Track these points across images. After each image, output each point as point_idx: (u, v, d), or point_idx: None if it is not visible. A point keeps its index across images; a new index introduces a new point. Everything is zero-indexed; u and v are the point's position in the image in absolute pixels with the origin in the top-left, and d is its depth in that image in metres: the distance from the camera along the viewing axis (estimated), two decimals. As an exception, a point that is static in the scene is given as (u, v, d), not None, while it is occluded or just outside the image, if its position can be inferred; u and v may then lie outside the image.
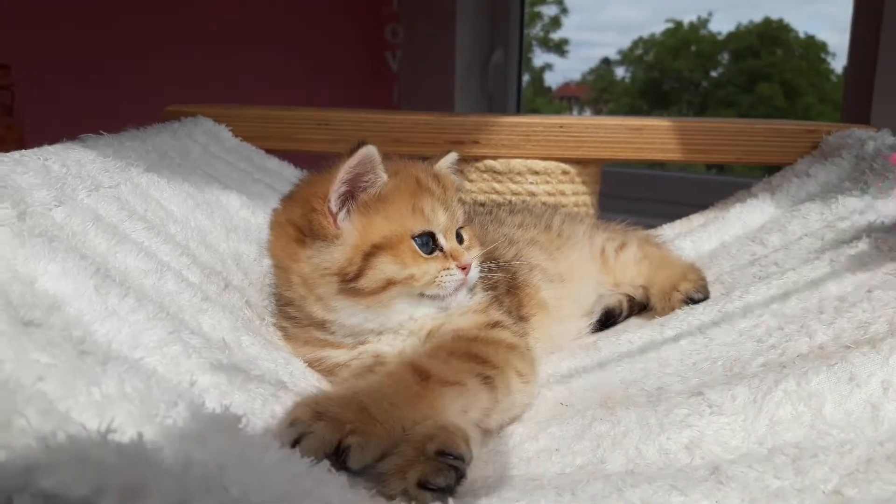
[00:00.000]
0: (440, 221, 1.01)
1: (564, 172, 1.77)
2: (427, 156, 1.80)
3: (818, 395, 0.78)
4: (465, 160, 1.78)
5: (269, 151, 1.78)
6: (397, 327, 1.00)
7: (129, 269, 0.89)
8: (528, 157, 1.76)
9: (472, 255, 1.03)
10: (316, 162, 1.53)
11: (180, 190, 1.21)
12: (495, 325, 1.00)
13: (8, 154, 0.94)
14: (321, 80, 3.04)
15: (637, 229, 1.53)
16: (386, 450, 0.73)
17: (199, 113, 1.72)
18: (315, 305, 0.99)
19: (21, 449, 0.46)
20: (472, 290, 1.03)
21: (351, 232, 0.99)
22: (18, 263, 0.75)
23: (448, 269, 0.99)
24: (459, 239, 1.05)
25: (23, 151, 0.99)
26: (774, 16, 3.27)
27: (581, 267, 1.27)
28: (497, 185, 1.77)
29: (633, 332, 1.08)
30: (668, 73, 3.60)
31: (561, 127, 1.74)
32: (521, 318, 1.12)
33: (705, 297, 1.21)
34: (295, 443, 0.69)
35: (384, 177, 1.00)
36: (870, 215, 1.24)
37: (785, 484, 0.68)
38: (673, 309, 1.20)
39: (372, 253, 0.97)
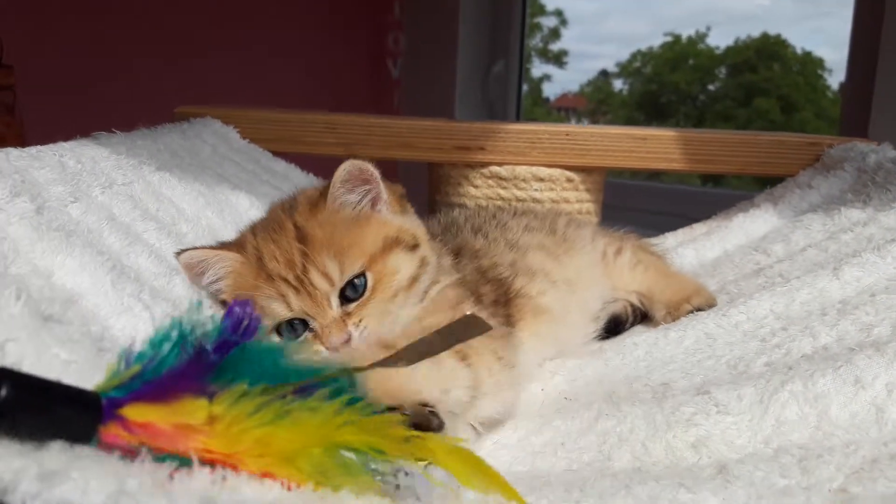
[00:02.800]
0: (294, 306, 0.92)
1: (569, 180, 1.78)
2: (434, 161, 1.83)
3: (824, 397, 0.79)
4: (470, 166, 1.80)
5: (276, 154, 1.79)
6: None
7: (142, 270, 0.90)
8: (533, 164, 1.77)
9: (356, 321, 0.92)
10: (324, 165, 1.54)
11: (191, 188, 1.22)
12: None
13: (25, 149, 0.95)
14: (322, 86, 3.07)
15: (631, 236, 1.52)
16: None
17: (208, 114, 1.74)
18: None
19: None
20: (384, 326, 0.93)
21: None
22: (37, 257, 0.77)
23: (318, 351, 0.92)
24: (359, 285, 0.94)
25: (39, 147, 1.00)
26: (773, 31, 3.30)
27: (588, 272, 1.27)
28: (502, 192, 1.79)
29: (637, 336, 1.09)
30: (666, 86, 3.63)
31: (567, 135, 1.76)
32: (508, 323, 1.06)
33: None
34: None
35: (222, 270, 0.96)
36: (872, 227, 1.26)
37: (791, 483, 0.69)
38: (677, 319, 1.21)
39: None
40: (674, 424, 0.81)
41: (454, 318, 0.87)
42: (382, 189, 1.00)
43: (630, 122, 3.69)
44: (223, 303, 0.98)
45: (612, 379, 0.99)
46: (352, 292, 0.93)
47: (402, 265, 0.97)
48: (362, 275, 0.94)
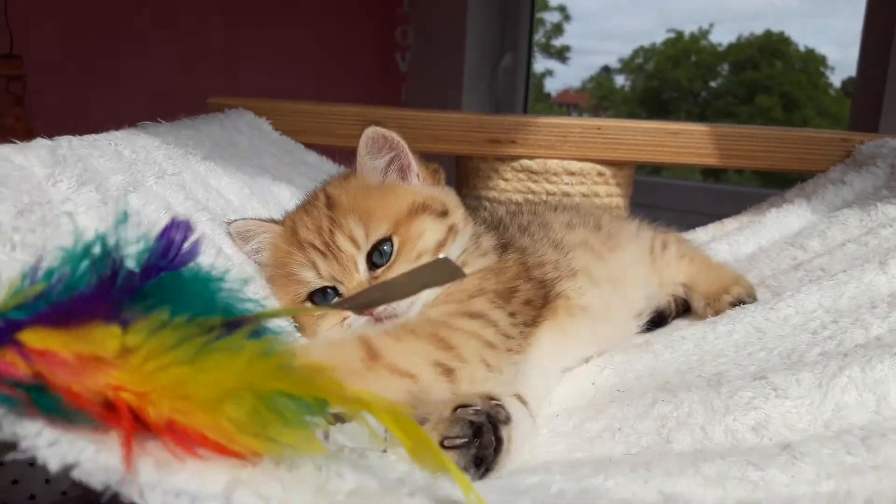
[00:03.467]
0: (323, 272, 0.94)
1: (600, 174, 1.79)
2: (464, 154, 1.83)
3: (882, 383, 0.79)
4: (500, 160, 1.80)
5: (307, 146, 1.80)
6: None
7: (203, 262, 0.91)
8: (564, 158, 1.77)
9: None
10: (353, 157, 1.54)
11: (236, 179, 1.23)
12: (475, 316, 0.88)
13: (83, 137, 0.96)
14: (330, 80, 3.08)
15: (668, 230, 1.53)
16: None
17: (240, 105, 1.74)
18: None
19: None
20: (405, 313, 0.92)
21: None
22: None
23: (346, 317, 0.93)
24: (386, 251, 0.95)
25: (94, 136, 1.00)
26: (776, 28, 3.30)
27: (634, 268, 1.26)
28: (532, 185, 1.79)
29: (684, 330, 1.09)
30: (668, 83, 3.63)
31: (598, 129, 1.76)
32: (531, 324, 1.00)
33: (753, 302, 1.22)
34: None
35: (264, 241, 1.00)
36: (913, 221, 1.26)
37: (858, 461, 0.69)
38: (719, 311, 1.21)
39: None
40: (732, 408, 0.81)
41: (458, 311, 0.88)
42: (412, 160, 1.03)
43: (632, 118, 3.69)
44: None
45: (664, 371, 0.99)
46: (378, 258, 0.95)
47: (428, 229, 0.97)
48: (389, 240, 0.95)
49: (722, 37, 3.46)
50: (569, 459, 0.82)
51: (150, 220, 0.90)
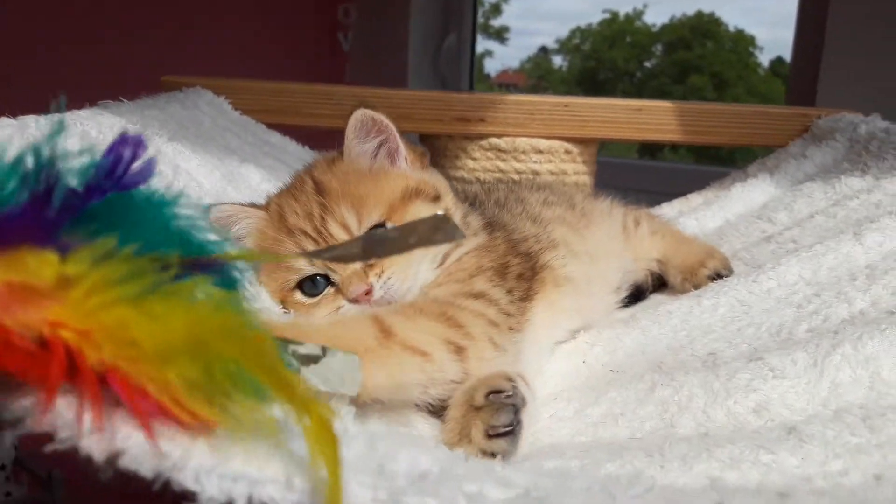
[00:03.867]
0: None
1: (567, 151, 1.79)
2: (433, 132, 1.80)
3: (874, 359, 0.81)
4: (469, 138, 1.78)
5: (269, 126, 1.74)
6: None
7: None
8: (532, 136, 1.77)
9: (378, 272, 0.89)
10: (320, 138, 1.49)
11: (205, 161, 1.18)
12: (478, 296, 0.88)
13: (46, 116, 0.89)
14: (271, 59, 2.95)
15: (637, 208, 1.55)
16: None
17: (198, 84, 1.67)
18: None
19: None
20: (404, 296, 0.91)
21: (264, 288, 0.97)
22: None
23: (340, 306, 0.90)
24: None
25: (56, 115, 0.94)
26: (707, 9, 3.40)
27: (608, 244, 1.27)
28: (501, 164, 1.78)
29: (670, 304, 1.10)
30: (604, 63, 3.69)
31: (566, 106, 1.75)
32: (525, 298, 1.00)
33: (730, 275, 1.25)
34: None
35: (248, 225, 0.97)
36: (878, 194, 1.30)
37: (862, 440, 0.71)
38: (698, 286, 1.22)
39: (282, 304, 0.94)
40: (733, 391, 0.82)
41: (460, 291, 0.87)
42: (400, 143, 1.00)
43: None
44: None
45: (655, 349, 1.00)
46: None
47: (422, 214, 0.94)
48: (382, 226, 0.93)
49: (656, 17, 3.54)
50: (575, 443, 0.82)
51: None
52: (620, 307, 1.24)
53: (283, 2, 3.05)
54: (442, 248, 0.96)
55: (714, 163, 3.07)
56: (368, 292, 0.88)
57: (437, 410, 0.80)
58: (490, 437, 0.68)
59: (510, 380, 0.74)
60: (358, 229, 0.92)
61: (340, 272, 0.90)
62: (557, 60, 3.84)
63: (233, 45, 2.77)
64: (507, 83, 3.95)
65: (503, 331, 0.85)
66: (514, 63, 3.95)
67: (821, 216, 1.33)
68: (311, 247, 0.91)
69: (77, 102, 1.08)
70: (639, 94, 3.59)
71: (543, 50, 3.83)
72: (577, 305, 1.12)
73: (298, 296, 0.93)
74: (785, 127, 1.80)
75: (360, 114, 0.96)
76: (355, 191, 0.94)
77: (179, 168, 1.10)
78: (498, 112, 1.75)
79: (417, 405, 0.78)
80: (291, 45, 3.11)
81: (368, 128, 0.97)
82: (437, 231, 0.55)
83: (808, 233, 1.29)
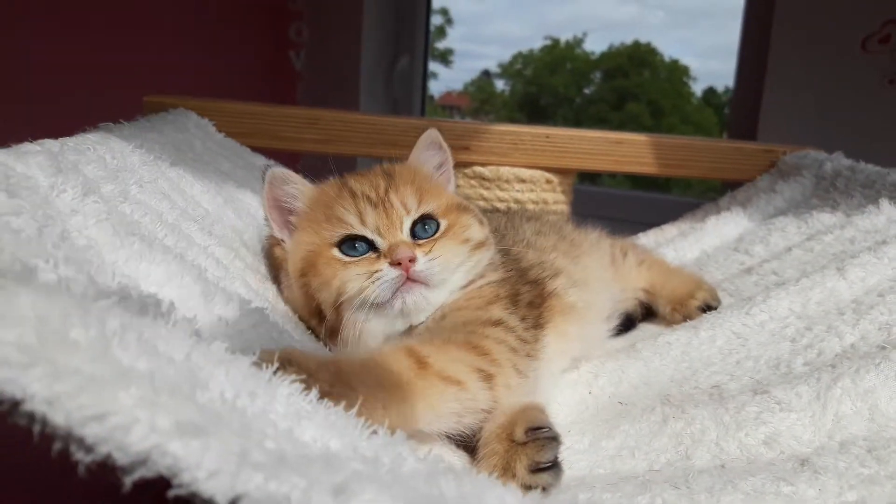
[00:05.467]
0: (368, 221, 0.96)
1: (548, 181, 1.82)
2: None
3: (872, 392, 0.85)
4: (454, 166, 1.79)
5: (253, 150, 1.72)
6: None
7: (209, 276, 0.85)
8: (514, 165, 1.80)
9: (426, 251, 0.94)
10: (303, 164, 1.48)
11: (206, 186, 1.16)
12: (497, 323, 0.90)
13: (60, 140, 0.87)
14: (220, 79, 2.90)
15: (623, 239, 1.59)
16: None
17: (181, 105, 1.64)
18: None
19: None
20: (437, 286, 0.95)
21: (289, 255, 1.02)
22: (120, 266, 0.70)
23: (378, 270, 0.91)
24: (429, 229, 0.99)
25: (66, 139, 0.91)
26: (643, 39, 3.54)
27: (599, 273, 1.31)
28: (484, 192, 1.80)
29: (668, 335, 1.14)
30: (545, 89, 3.80)
31: (547, 137, 1.79)
32: (537, 325, 1.05)
33: (719, 305, 1.29)
34: None
35: (303, 189, 1.02)
36: (851, 230, 1.37)
37: (872, 472, 0.75)
38: (689, 317, 1.26)
39: (304, 272, 0.97)
40: (743, 424, 0.86)
41: (479, 318, 0.90)
42: (452, 174, 1.15)
43: (511, 122, 3.77)
44: (288, 222, 1.04)
45: (659, 380, 1.03)
46: (421, 231, 0.99)
47: (473, 226, 1.04)
48: (435, 220, 1.01)
49: (595, 45, 3.68)
50: (597, 476, 0.84)
51: (148, 231, 0.83)
52: (612, 336, 1.27)
53: (235, 18, 3.01)
54: (477, 267, 1.02)
55: (650, 188, 3.14)
56: (413, 259, 0.92)
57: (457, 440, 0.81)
58: (533, 471, 0.70)
59: (543, 412, 0.76)
60: (416, 210, 0.99)
61: (389, 239, 0.95)
62: (500, 84, 3.95)
63: (184, 62, 2.70)
64: (451, 105, 4.02)
65: (522, 357, 0.87)
66: (458, 85, 4.04)
67: (798, 250, 1.40)
68: (370, 210, 0.96)
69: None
70: (578, 119, 3.67)
71: (486, 74, 3.91)
72: (581, 333, 1.15)
73: (336, 252, 0.96)
74: (753, 162, 1.88)
75: (432, 133, 1.10)
76: (419, 183, 1.03)
77: (185, 193, 1.08)
78: (482, 141, 1.78)
79: (441, 436, 0.79)
80: (242, 62, 3.07)
81: (435, 148, 1.11)
82: None
83: (787, 265, 1.35)
